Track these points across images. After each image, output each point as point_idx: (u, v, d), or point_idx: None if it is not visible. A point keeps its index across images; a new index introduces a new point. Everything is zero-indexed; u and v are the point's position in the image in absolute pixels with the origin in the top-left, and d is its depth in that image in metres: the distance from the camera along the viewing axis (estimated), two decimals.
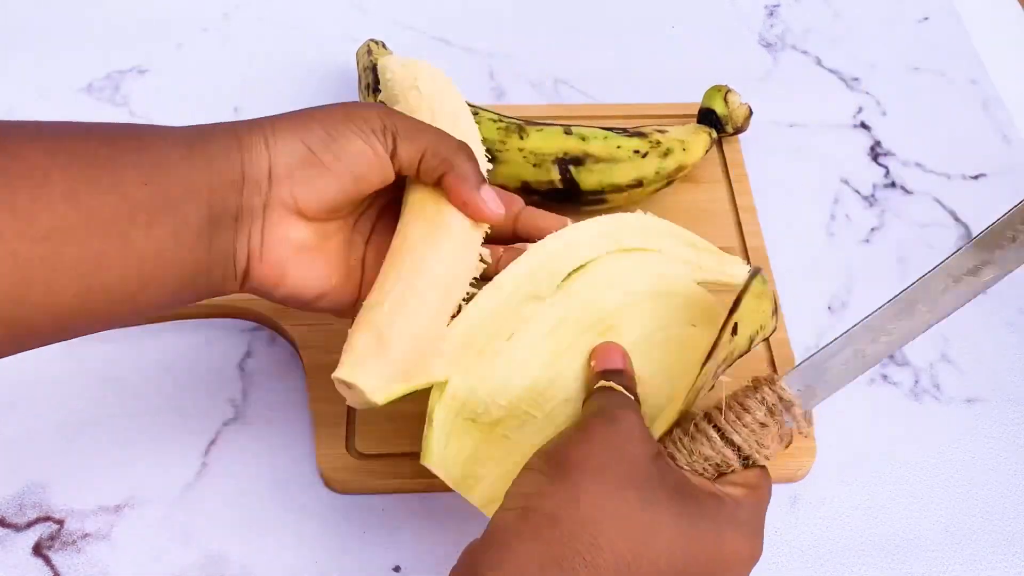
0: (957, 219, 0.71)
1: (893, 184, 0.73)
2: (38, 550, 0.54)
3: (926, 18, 0.86)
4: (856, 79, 0.81)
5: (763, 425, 0.46)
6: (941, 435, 0.60)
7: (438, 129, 0.49)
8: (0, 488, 0.56)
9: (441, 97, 0.53)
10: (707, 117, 0.71)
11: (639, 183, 0.66)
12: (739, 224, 0.68)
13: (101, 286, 0.41)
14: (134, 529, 0.55)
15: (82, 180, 0.40)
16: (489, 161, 0.52)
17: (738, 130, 0.72)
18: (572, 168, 0.65)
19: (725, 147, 0.72)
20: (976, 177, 0.74)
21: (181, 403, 0.60)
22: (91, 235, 0.40)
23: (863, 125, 0.77)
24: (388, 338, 0.45)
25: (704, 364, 0.46)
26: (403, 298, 0.46)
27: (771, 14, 0.86)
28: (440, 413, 0.47)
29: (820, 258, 0.68)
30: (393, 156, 0.47)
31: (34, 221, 0.39)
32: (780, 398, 0.47)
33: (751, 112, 0.72)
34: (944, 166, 0.74)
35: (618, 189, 0.65)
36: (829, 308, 0.65)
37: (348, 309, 0.49)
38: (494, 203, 0.49)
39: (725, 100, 0.71)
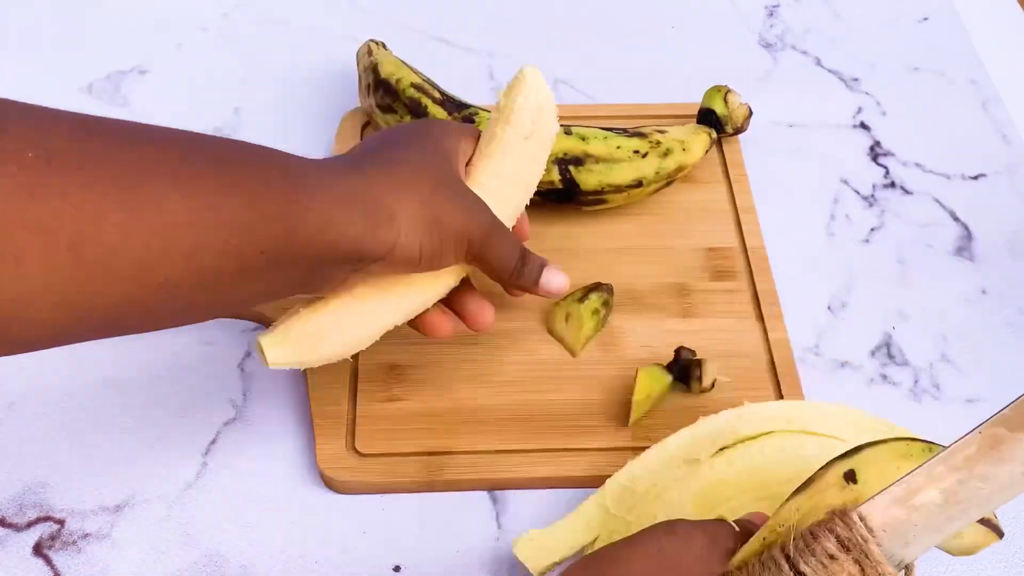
0: (957, 219, 0.71)
1: (893, 184, 0.73)
2: (38, 550, 0.54)
3: (926, 18, 0.86)
4: (856, 79, 0.81)
5: (832, 558, 0.40)
6: (941, 435, 0.60)
7: (511, 240, 0.53)
8: (0, 488, 0.56)
9: (537, 163, 0.56)
10: (707, 117, 0.71)
11: (639, 183, 0.66)
12: (739, 224, 0.68)
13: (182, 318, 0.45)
14: (134, 529, 0.55)
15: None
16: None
17: (738, 130, 0.72)
18: (572, 168, 0.65)
19: (725, 147, 0.72)
20: (976, 177, 0.74)
21: (181, 403, 0.60)
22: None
23: (863, 125, 0.77)
24: (320, 346, 0.50)
25: (789, 498, 0.43)
26: (350, 325, 0.51)
27: (771, 14, 0.86)
28: None
29: (820, 258, 0.68)
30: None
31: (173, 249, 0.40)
32: (852, 531, 0.40)
33: (751, 112, 0.72)
34: (944, 166, 0.74)
35: (618, 189, 0.66)
36: (829, 308, 0.65)
37: None
38: (490, 314, 0.55)
39: (725, 100, 0.71)
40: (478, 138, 0.54)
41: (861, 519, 0.40)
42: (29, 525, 0.55)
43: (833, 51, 0.83)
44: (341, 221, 0.45)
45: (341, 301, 0.50)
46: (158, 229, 0.39)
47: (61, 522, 0.55)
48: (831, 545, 0.40)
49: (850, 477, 0.43)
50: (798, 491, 0.43)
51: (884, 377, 0.62)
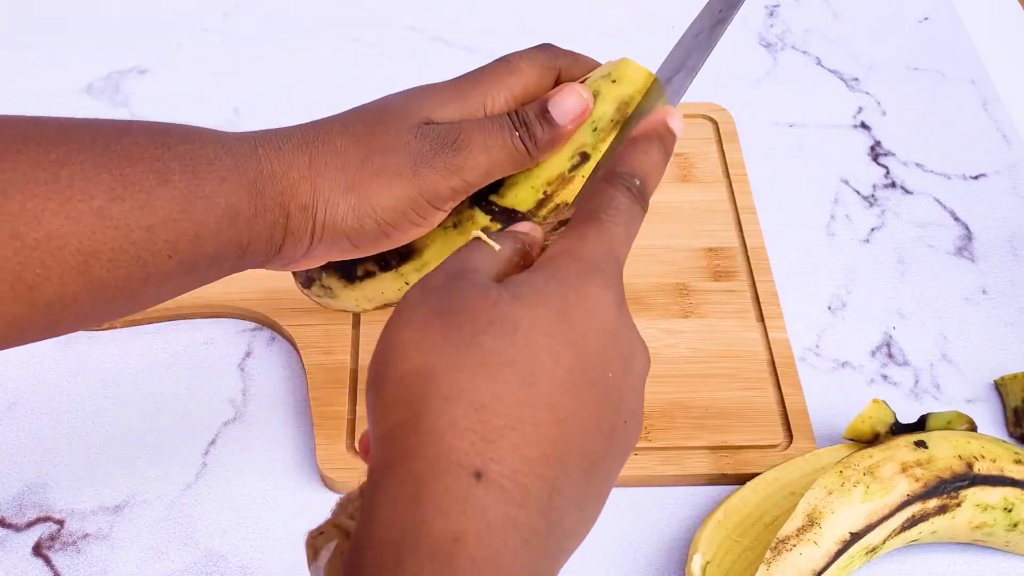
0: (957, 219, 0.71)
1: (893, 184, 0.73)
2: (38, 550, 0.54)
3: (926, 18, 0.86)
4: (856, 79, 0.80)
5: None
6: None
7: (477, 132, 0.43)
8: (0, 488, 0.56)
9: None
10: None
11: None
12: (739, 224, 0.68)
13: (121, 311, 0.41)
14: (134, 529, 0.55)
15: (102, 252, 0.38)
16: None
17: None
18: None
19: (725, 147, 0.72)
20: (976, 177, 0.74)
21: (181, 403, 0.60)
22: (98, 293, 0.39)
23: (863, 125, 0.77)
24: None
25: (863, 447, 0.53)
26: None
27: (771, 14, 0.86)
28: None
29: (820, 258, 0.68)
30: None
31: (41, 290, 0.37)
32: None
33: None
34: (944, 166, 0.74)
35: None
36: (829, 308, 0.65)
37: None
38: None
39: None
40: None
41: None
42: (29, 525, 0.55)
43: (833, 51, 0.83)
44: (248, 212, 0.41)
45: None
46: (37, 244, 0.36)
47: (61, 522, 0.55)
48: None
49: (920, 444, 0.51)
50: (870, 443, 0.52)
51: (884, 377, 0.62)
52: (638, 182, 0.37)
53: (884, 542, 0.50)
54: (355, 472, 0.56)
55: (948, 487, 0.50)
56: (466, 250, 0.35)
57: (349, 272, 0.49)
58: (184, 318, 0.63)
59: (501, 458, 0.30)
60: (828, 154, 0.75)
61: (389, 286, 0.49)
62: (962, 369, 0.63)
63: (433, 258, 0.47)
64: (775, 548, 0.48)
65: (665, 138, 0.39)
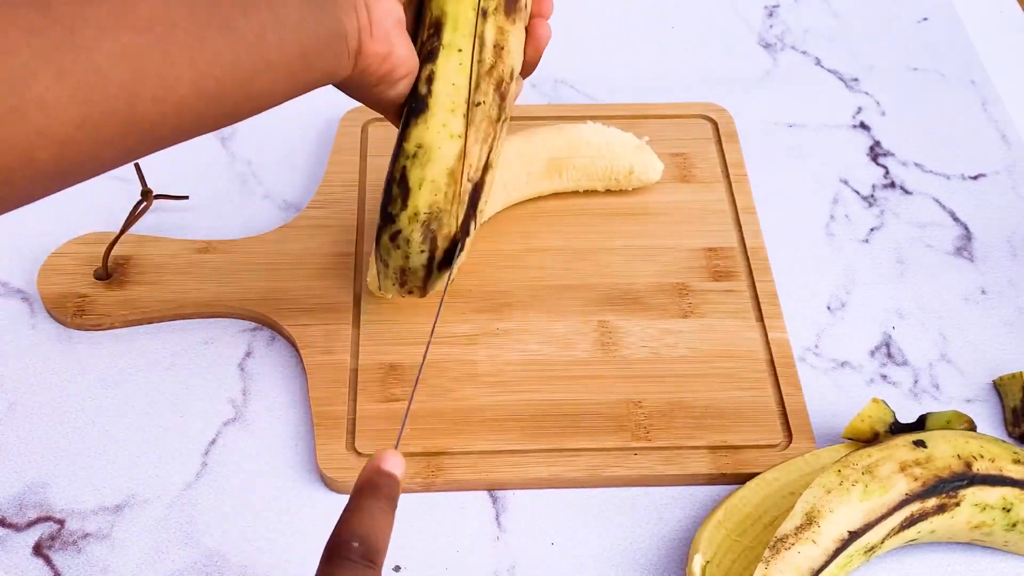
0: (956, 219, 0.71)
1: (892, 184, 0.73)
2: (38, 550, 0.54)
3: (925, 18, 0.86)
4: (855, 79, 0.81)
5: None
6: None
7: None
8: (0, 488, 0.56)
9: None
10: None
11: None
12: (739, 224, 0.68)
13: (213, 75, 0.41)
14: (134, 529, 0.55)
15: None
16: None
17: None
18: None
19: (725, 147, 0.72)
20: (975, 177, 0.74)
21: (181, 403, 0.60)
22: (192, 23, 0.40)
23: (862, 125, 0.77)
24: None
25: (862, 446, 0.53)
26: None
27: (771, 14, 0.86)
28: None
29: (820, 258, 0.68)
30: None
31: (133, 11, 0.39)
32: None
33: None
34: (943, 166, 0.74)
35: None
36: (828, 308, 0.65)
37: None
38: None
39: None
40: None
41: None
42: (29, 525, 0.55)
43: (833, 51, 0.83)
44: None
45: None
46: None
47: (61, 522, 0.55)
48: None
49: (919, 444, 0.51)
50: (869, 443, 0.53)
51: (884, 377, 0.62)
52: (356, 544, 0.38)
53: (883, 541, 0.50)
54: (355, 472, 0.56)
55: (947, 486, 0.50)
56: None
57: (415, 102, 0.51)
58: (184, 318, 0.63)
59: None
60: (828, 154, 0.75)
61: (450, 68, 0.51)
62: (961, 369, 0.63)
63: (454, 11, 0.51)
64: (774, 547, 0.48)
65: (381, 486, 0.40)
